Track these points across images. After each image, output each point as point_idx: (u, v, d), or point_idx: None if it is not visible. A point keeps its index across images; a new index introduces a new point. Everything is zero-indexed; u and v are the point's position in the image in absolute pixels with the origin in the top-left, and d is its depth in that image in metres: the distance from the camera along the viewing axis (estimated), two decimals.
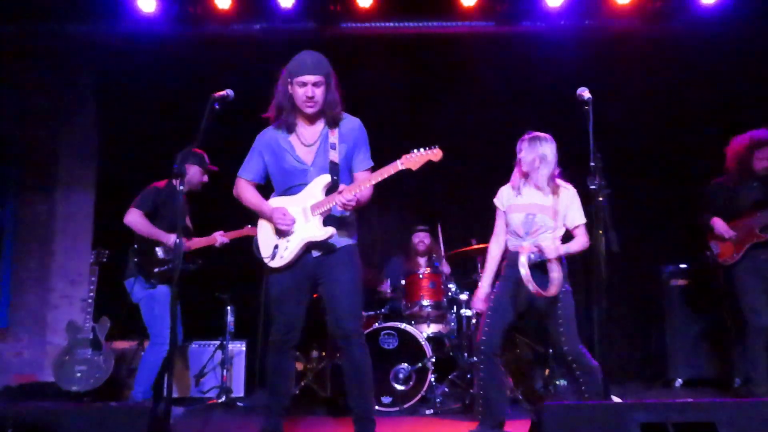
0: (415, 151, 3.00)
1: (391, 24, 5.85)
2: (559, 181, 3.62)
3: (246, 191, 3.31)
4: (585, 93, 3.20)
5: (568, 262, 3.59)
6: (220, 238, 4.64)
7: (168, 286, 4.34)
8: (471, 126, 6.26)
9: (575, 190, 3.60)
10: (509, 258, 3.66)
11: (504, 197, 3.73)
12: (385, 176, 3.02)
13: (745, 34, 5.63)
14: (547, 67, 5.89)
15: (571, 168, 3.69)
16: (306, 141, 3.19)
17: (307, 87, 3.08)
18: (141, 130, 6.07)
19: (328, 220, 3.14)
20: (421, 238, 5.66)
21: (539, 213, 3.55)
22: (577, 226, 3.58)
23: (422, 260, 5.67)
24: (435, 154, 2.99)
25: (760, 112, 4.59)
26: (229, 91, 3.21)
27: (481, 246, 4.90)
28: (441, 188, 6.29)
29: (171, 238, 4.35)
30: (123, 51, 5.92)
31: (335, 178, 3.13)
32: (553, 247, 3.46)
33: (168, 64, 5.94)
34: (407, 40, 6.06)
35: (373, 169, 3.18)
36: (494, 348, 3.56)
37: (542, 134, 3.64)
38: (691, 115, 5.98)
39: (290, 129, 3.20)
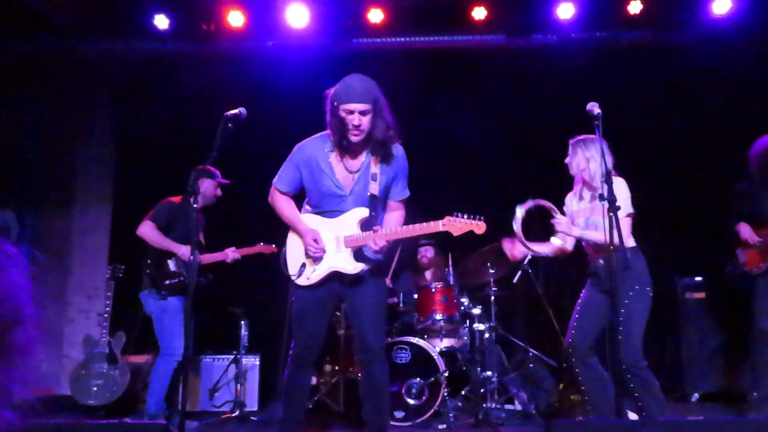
0: (460, 216, 2.97)
1: (403, 39, 5.91)
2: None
3: (281, 202, 3.29)
4: (595, 108, 3.20)
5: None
6: (232, 254, 4.71)
7: (179, 299, 4.43)
8: (483, 138, 6.28)
9: (624, 181, 3.54)
10: (590, 266, 3.67)
11: (568, 205, 3.76)
12: (424, 233, 3.02)
13: (757, 44, 5.62)
14: (560, 79, 5.91)
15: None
16: (348, 167, 3.17)
17: (354, 115, 3.00)
18: (157, 146, 6.17)
19: (359, 254, 3.15)
20: (423, 252, 5.69)
21: (592, 215, 3.56)
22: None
23: (428, 273, 5.69)
24: (479, 226, 2.97)
25: None
26: (241, 110, 3.24)
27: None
28: (452, 200, 6.31)
29: (183, 249, 4.44)
30: (138, 68, 6.04)
31: (373, 213, 3.13)
32: (565, 222, 3.49)
33: (182, 81, 6.03)
34: (419, 55, 6.11)
35: (407, 201, 3.25)
36: (582, 349, 3.52)
37: (586, 136, 3.63)
38: (704, 126, 5.96)
39: (337, 151, 3.15)
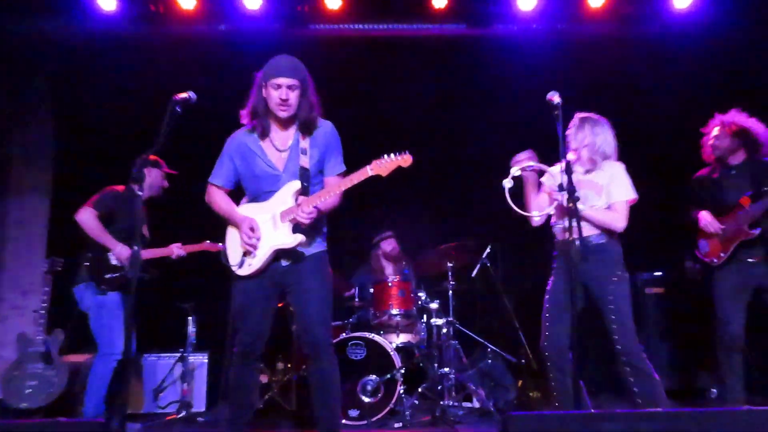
0: (385, 156, 3.02)
1: (361, 26, 5.87)
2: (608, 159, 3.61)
3: (216, 197, 3.31)
4: (555, 97, 3.21)
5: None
6: (177, 250, 4.64)
7: (119, 294, 4.31)
8: (441, 129, 6.29)
9: (623, 166, 3.58)
10: (557, 247, 3.63)
11: (551, 179, 3.65)
12: (354, 182, 3.05)
13: (717, 38, 5.75)
14: (520, 71, 5.95)
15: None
16: (278, 146, 3.22)
17: (282, 89, 3.11)
18: (100, 133, 5.99)
19: (298, 226, 3.14)
20: (392, 245, 5.68)
21: (583, 188, 3.48)
22: (617, 201, 3.52)
23: (390, 267, 5.68)
24: (405, 159, 3.03)
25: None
26: (191, 94, 3.17)
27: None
28: (410, 192, 6.31)
29: (119, 248, 4.31)
30: (81, 51, 5.84)
31: (305, 184, 3.16)
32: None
33: (128, 65, 5.87)
34: (377, 43, 6.08)
35: (345, 174, 3.20)
36: (559, 352, 3.41)
37: (598, 116, 3.66)
38: (665, 119, 6.08)
39: (263, 133, 3.22)
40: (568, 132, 3.66)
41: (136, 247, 3.04)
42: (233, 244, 3.26)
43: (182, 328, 5.05)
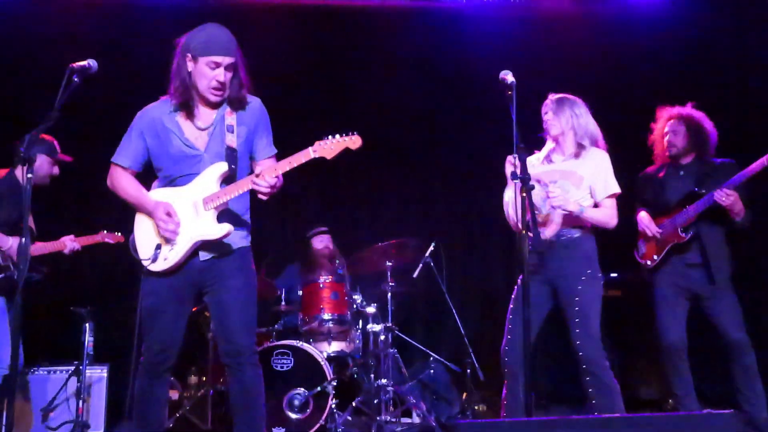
0: (330, 137, 3.02)
1: None
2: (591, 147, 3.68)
3: (122, 181, 3.23)
4: (508, 77, 3.28)
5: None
6: (70, 243, 4.56)
7: (3, 299, 4.24)
8: (379, 111, 6.34)
9: (607, 155, 3.66)
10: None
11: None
12: (295, 165, 3.02)
13: (677, 18, 6.03)
14: (470, 48, 6.07)
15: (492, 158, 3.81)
16: (199, 123, 3.18)
17: (219, 70, 3.06)
18: None
19: (223, 215, 3.12)
20: (325, 242, 5.71)
21: (562, 179, 3.58)
22: (607, 197, 3.61)
23: (322, 267, 5.71)
24: (353, 141, 3.03)
25: (694, 97, 4.80)
26: (91, 62, 3.11)
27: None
28: (345, 183, 6.36)
29: (9, 242, 4.22)
30: None
31: (233, 166, 3.13)
32: (562, 196, 3.45)
33: (12, 25, 5.71)
34: (310, 14, 6.10)
35: (278, 157, 3.19)
36: (519, 360, 3.38)
37: (571, 96, 3.73)
38: (623, 103, 6.26)
39: (184, 110, 3.16)
40: (544, 117, 3.75)
41: (24, 239, 2.99)
42: (144, 234, 3.20)
43: (77, 337, 4.95)
